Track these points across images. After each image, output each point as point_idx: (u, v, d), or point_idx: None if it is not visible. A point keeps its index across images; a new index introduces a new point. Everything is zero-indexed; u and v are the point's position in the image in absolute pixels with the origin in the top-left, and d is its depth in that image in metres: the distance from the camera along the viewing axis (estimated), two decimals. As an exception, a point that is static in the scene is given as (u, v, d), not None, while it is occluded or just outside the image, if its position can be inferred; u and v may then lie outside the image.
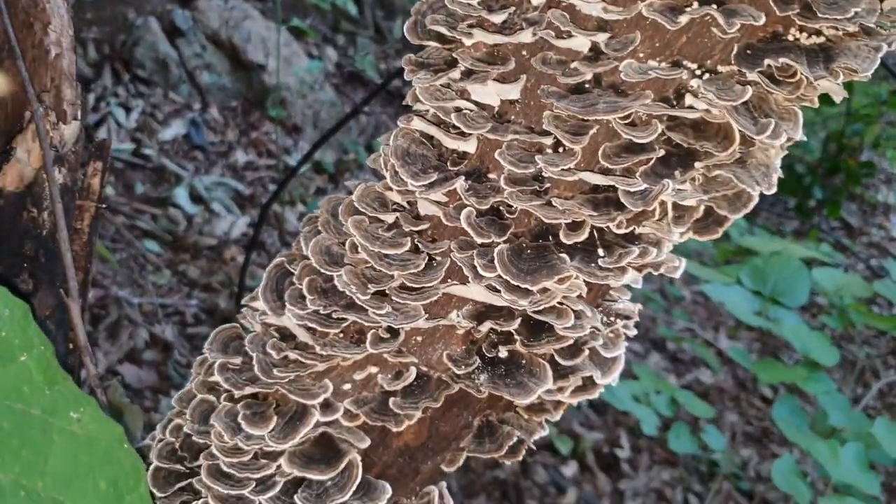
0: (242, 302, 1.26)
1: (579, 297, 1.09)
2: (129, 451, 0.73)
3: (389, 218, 1.12)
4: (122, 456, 0.71)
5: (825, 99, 1.06)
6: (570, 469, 4.70)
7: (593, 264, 1.03)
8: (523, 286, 1.03)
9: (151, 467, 1.27)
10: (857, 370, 5.81)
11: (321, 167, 5.95)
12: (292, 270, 1.21)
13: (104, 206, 1.47)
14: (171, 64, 6.02)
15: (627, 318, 1.17)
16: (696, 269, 3.42)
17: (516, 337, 1.11)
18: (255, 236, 4.73)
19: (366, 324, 1.12)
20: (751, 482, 5.08)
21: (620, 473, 4.80)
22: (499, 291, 1.05)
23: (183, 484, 1.26)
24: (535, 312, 1.07)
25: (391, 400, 1.15)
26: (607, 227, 1.04)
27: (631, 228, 1.04)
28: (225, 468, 1.17)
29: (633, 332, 1.21)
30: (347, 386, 1.19)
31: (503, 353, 1.14)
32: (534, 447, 1.28)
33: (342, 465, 1.17)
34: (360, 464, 1.18)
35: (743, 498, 5.03)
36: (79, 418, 0.67)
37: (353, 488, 1.17)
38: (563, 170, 1.00)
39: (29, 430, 0.64)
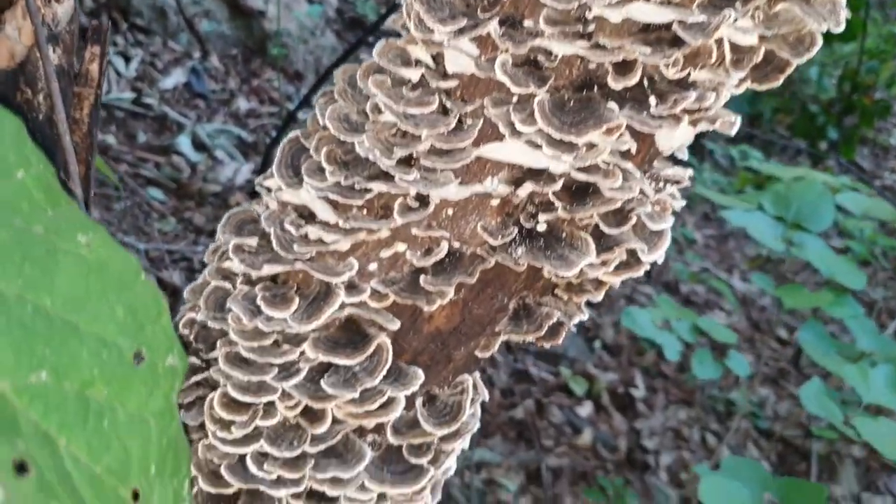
0: (256, 181, 1.17)
1: (627, 154, 1.00)
2: (147, 281, 0.64)
3: (414, 75, 1.02)
4: (139, 285, 0.63)
5: (839, 37, 0.95)
6: (585, 409, 4.66)
7: (645, 112, 0.93)
8: (567, 139, 0.94)
9: (165, 361, 1.19)
10: (874, 311, 5.74)
11: (325, 113, 5.81)
12: (308, 146, 1.12)
13: (102, 98, 1.37)
14: (169, 12, 5.88)
15: (678, 182, 1.07)
16: (716, 196, 3.32)
17: (557, 203, 1.01)
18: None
19: (393, 192, 1.02)
20: (769, 421, 5.03)
21: (636, 413, 4.76)
22: (539, 148, 0.95)
23: (199, 378, 1.19)
24: (579, 171, 0.97)
25: (422, 278, 1.06)
26: (660, 72, 0.94)
27: (686, 72, 0.94)
28: (244, 353, 1.09)
29: (680, 204, 1.12)
30: (373, 266, 1.10)
31: (542, 225, 1.05)
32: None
33: (371, 349, 1.09)
34: (390, 347, 1.10)
35: (761, 437, 4.99)
36: (87, 242, 0.58)
37: (384, 372, 1.09)
38: (609, 3, 0.90)
39: (31, 247, 0.55)
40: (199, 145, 5.04)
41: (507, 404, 4.55)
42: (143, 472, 0.59)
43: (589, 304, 1.22)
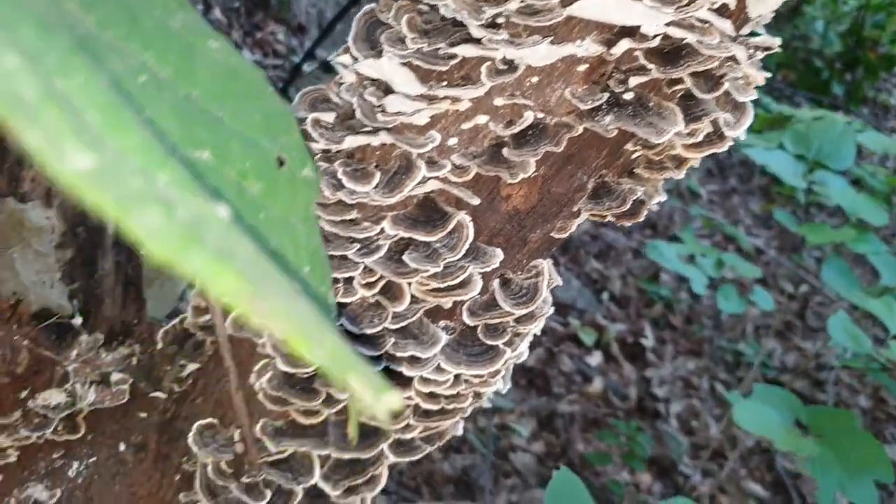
0: (329, 58, 1.14)
1: (723, 12, 0.97)
2: (275, 94, 0.62)
3: (503, -65, 0.99)
4: (269, 95, 0.60)
5: None
6: (595, 359, 4.67)
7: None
8: (667, -9, 0.91)
9: (237, 243, 1.18)
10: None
11: (329, 66, 5.76)
12: (384, 19, 1.09)
13: None
14: (168, -38, 5.77)
15: (768, 48, 1.05)
16: (735, 136, 3.30)
17: (649, 66, 0.99)
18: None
19: (480, 55, 1.00)
20: (776, 371, 5.06)
21: (646, 362, 4.77)
22: (638, 0, 0.93)
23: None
24: (676, 27, 0.95)
25: (505, 150, 1.04)
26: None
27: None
28: (327, 228, 1.07)
29: (765, 77, 1.09)
30: (453, 140, 1.08)
31: (629, 94, 1.03)
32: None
33: (451, 226, 1.08)
34: (471, 224, 1.08)
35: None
36: (217, 48, 0.55)
37: (465, 248, 1.07)
38: None
39: (171, 38, 0.53)
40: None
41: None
42: (299, 271, 0.57)
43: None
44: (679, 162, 1.14)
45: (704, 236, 6.19)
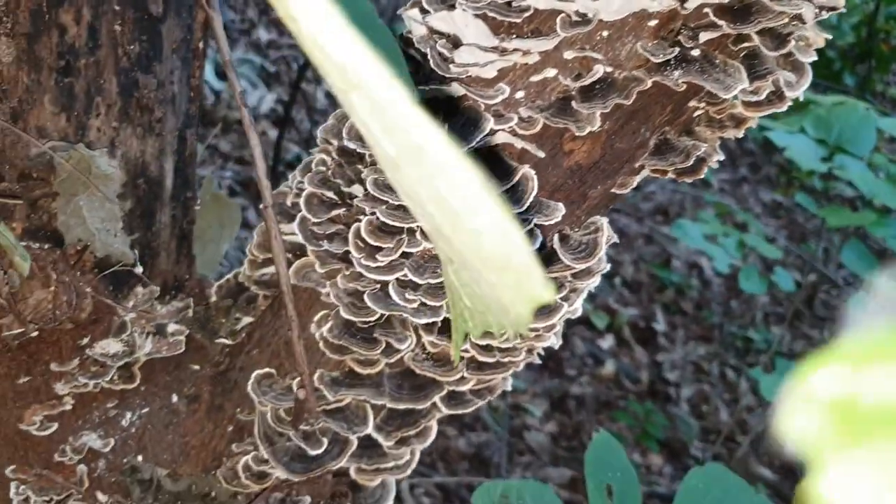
0: (399, 10, 1.15)
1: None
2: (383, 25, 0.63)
3: None
4: (378, 27, 0.62)
5: None
6: (607, 342, 4.70)
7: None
8: (743, -54, 0.93)
9: (305, 193, 1.20)
10: None
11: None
12: (454, -26, 1.11)
13: None
14: (185, -60, 5.76)
15: (833, 8, 1.07)
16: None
17: (720, 22, 1.01)
18: (289, 111, 4.60)
19: (553, 6, 1.02)
20: (786, 358, 5.08)
21: (657, 347, 4.80)
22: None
23: (336, 213, 1.19)
24: (750, -19, 0.97)
25: (573, 102, 1.06)
26: None
27: None
28: (395, 176, 1.08)
29: (824, 39, 1.11)
30: (520, 94, 1.10)
31: (697, 51, 1.05)
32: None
33: (516, 178, 1.09)
34: (535, 177, 1.10)
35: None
36: None
37: (531, 200, 1.09)
38: None
39: None
40: (221, 74, 4.98)
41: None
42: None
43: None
44: (738, 121, 1.16)
45: (727, 213, 6.20)
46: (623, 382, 4.47)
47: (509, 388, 1.33)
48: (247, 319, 1.40)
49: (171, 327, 1.35)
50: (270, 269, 1.39)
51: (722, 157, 1.19)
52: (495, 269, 0.51)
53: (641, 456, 4.03)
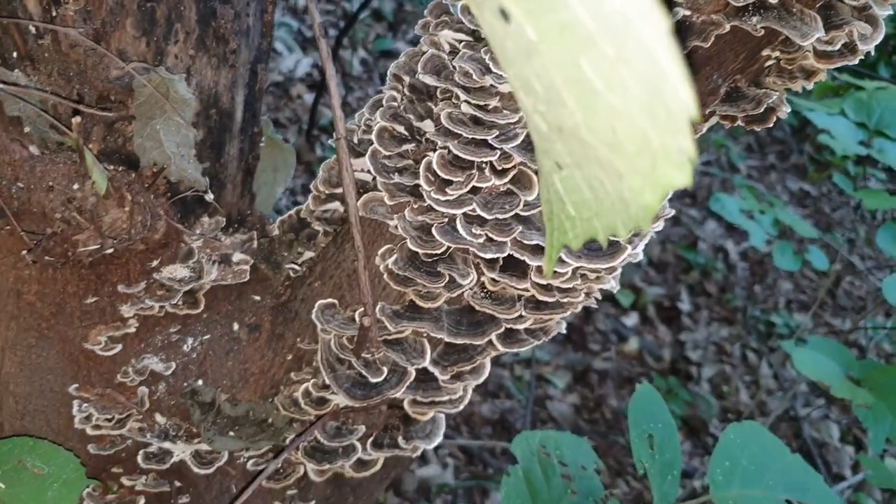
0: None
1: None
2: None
3: None
4: None
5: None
6: (631, 320, 4.71)
7: None
8: None
9: (377, 127, 1.22)
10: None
11: (380, 15, 5.77)
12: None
13: None
14: None
15: (914, -39, 1.08)
16: (796, 100, 3.31)
17: (802, -33, 1.03)
18: (325, 76, 4.62)
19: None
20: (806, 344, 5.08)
21: (681, 326, 4.81)
22: None
23: (405, 148, 1.22)
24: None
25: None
26: None
27: None
28: (471, 112, 1.11)
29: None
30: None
31: (774, -2, 1.06)
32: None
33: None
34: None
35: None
36: None
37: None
38: None
39: None
40: (258, 36, 5.01)
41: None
42: None
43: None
44: (809, 73, 1.17)
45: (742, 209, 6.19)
46: (646, 359, 4.50)
47: (563, 332, 1.36)
48: (308, 254, 1.43)
49: (237, 256, 1.38)
50: (334, 205, 1.42)
51: (789, 109, 1.21)
52: (629, 154, 0.53)
53: (661, 431, 4.05)
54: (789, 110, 1.21)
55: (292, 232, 1.45)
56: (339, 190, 1.40)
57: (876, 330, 4.50)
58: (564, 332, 1.36)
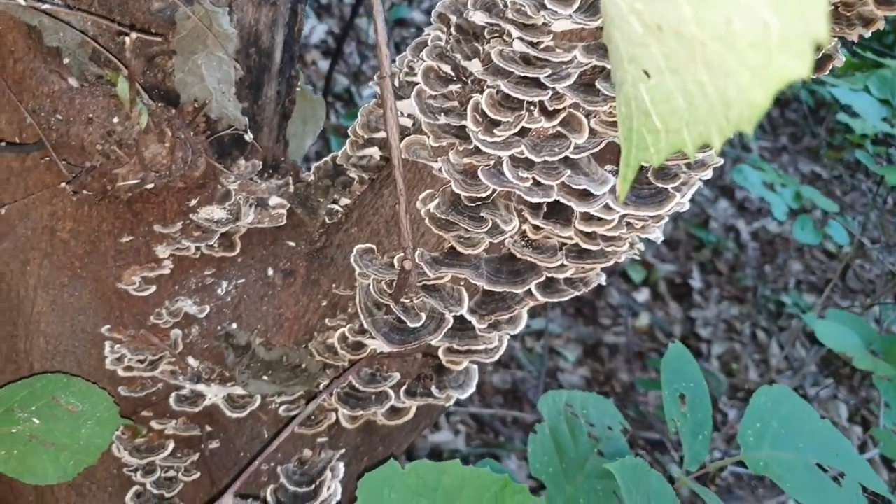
0: None
1: None
2: None
3: None
4: None
5: None
6: (642, 295, 4.70)
7: None
8: None
9: (422, 67, 1.20)
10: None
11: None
12: None
13: None
14: None
15: None
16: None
17: None
18: (340, 44, 4.58)
19: None
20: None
21: (691, 304, 4.80)
22: None
23: (452, 88, 1.19)
24: None
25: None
26: None
27: None
28: (524, 49, 1.09)
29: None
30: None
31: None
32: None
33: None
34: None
35: (807, 339, 5.05)
36: None
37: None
38: None
39: None
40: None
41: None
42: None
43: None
44: (867, 21, 1.15)
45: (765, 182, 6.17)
46: (656, 335, 4.49)
47: (603, 283, 1.34)
48: (344, 201, 1.41)
49: (273, 200, 1.36)
50: (371, 151, 1.40)
51: (843, 59, 1.18)
52: (741, 47, 0.51)
53: (671, 406, 4.05)
54: (843, 59, 1.18)
55: (328, 178, 1.43)
56: (378, 135, 1.38)
57: (889, 309, 4.48)
58: (604, 282, 1.34)
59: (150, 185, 1.20)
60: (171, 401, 1.37)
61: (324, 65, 4.75)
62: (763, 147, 6.87)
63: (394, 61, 1.34)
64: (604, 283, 1.34)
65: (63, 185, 1.18)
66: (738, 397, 4.38)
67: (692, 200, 5.74)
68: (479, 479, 1.17)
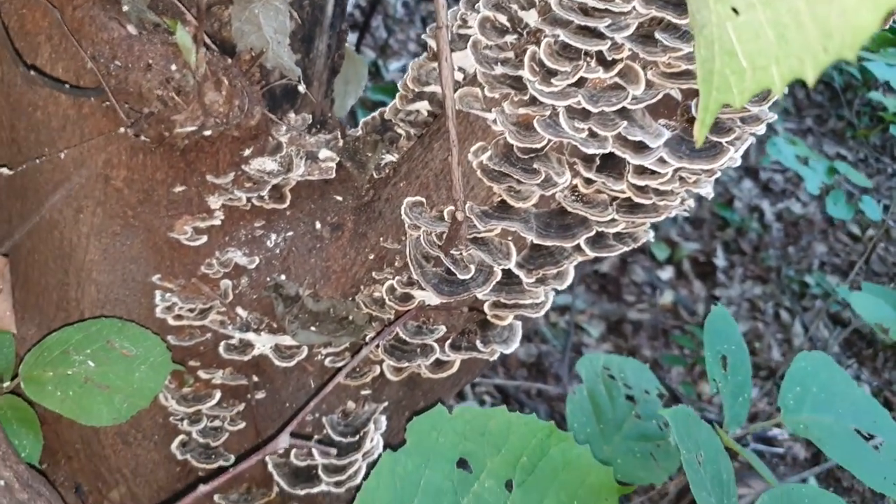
0: None
1: None
2: None
3: None
4: None
5: None
6: (666, 273, 4.70)
7: None
8: None
9: (479, 17, 1.20)
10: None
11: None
12: None
13: None
14: None
15: None
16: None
17: None
18: (368, 18, 4.57)
19: None
20: (839, 306, 5.06)
21: (715, 282, 4.79)
22: None
23: (508, 38, 1.19)
24: None
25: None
26: None
27: None
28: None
29: None
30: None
31: None
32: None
33: None
34: None
35: (830, 321, 5.04)
36: None
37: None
38: None
39: None
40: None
41: (592, 258, 4.59)
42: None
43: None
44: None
45: (778, 170, 6.13)
46: (680, 313, 4.49)
47: (651, 240, 1.34)
48: (390, 157, 1.42)
49: (323, 153, 1.37)
50: (421, 105, 1.41)
51: (887, 25, 1.17)
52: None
53: (693, 383, 4.07)
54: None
55: (375, 133, 1.44)
56: (428, 89, 1.39)
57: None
58: (652, 239, 1.35)
59: (207, 133, 1.21)
60: (221, 349, 1.39)
61: (350, 39, 4.74)
62: (788, 129, 6.81)
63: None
64: (641, 245, 1.34)
65: (122, 130, 1.19)
66: (759, 376, 4.38)
67: (717, 180, 5.72)
68: (526, 426, 1.18)
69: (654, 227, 1.43)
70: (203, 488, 1.00)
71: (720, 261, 4.89)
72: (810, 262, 5.46)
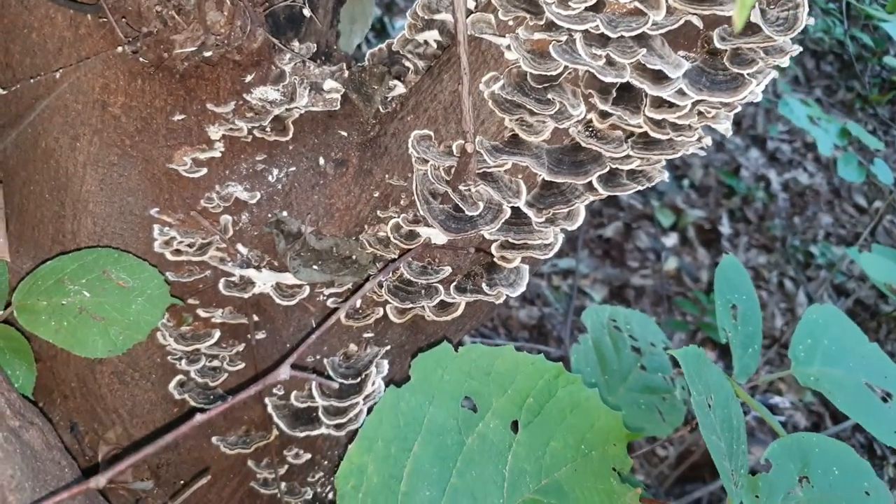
0: None
1: None
2: None
3: None
4: None
5: None
6: (670, 240, 4.66)
7: None
8: None
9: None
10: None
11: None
12: None
13: None
14: None
15: None
16: (871, 10, 3.17)
17: None
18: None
19: None
20: (844, 277, 5.02)
21: (720, 250, 4.75)
22: None
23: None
24: None
25: None
26: None
27: None
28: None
29: None
30: None
31: None
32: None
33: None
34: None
35: (834, 291, 5.00)
36: None
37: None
38: None
39: None
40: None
41: (596, 223, 4.55)
42: None
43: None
44: None
45: (786, 140, 6.07)
46: (683, 279, 4.45)
47: (666, 179, 1.30)
48: (399, 89, 1.37)
49: (328, 84, 1.32)
50: (429, 35, 1.36)
51: None
52: None
53: (695, 350, 4.04)
54: None
55: (383, 65, 1.39)
56: (438, 16, 1.34)
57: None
58: (667, 179, 1.30)
59: (207, 54, 1.16)
60: (221, 286, 1.36)
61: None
62: (797, 99, 6.73)
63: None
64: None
65: (120, 49, 1.14)
66: (764, 345, 4.35)
67: (723, 149, 5.65)
68: (533, 366, 1.15)
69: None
70: (199, 417, 0.97)
71: (725, 229, 4.85)
72: (816, 232, 5.41)
